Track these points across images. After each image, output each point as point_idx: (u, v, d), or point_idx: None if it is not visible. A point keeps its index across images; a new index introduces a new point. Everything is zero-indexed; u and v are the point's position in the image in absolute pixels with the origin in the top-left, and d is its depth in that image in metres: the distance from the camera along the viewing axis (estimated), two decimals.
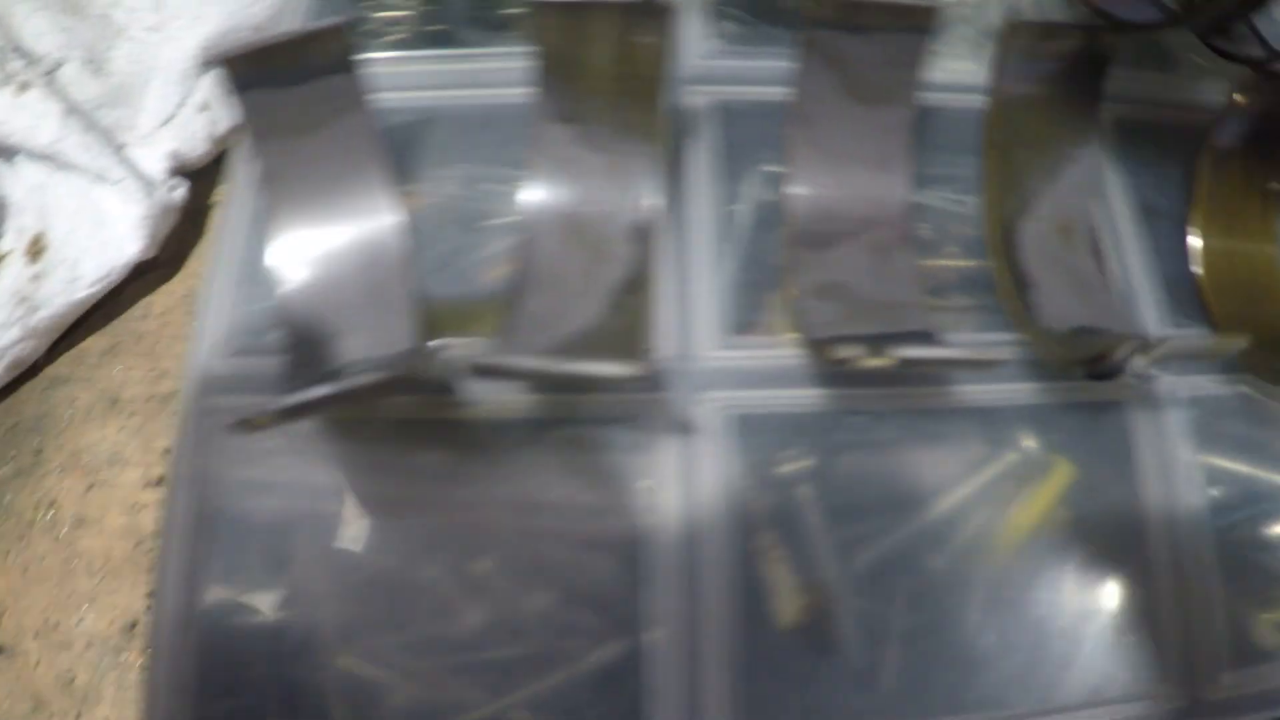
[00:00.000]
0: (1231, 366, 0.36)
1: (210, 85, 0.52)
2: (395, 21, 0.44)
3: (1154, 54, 0.44)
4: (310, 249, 0.33)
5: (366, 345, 0.31)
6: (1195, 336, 0.35)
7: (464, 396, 0.33)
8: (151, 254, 0.49)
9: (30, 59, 0.49)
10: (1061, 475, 0.36)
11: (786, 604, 0.32)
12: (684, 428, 0.32)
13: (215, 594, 0.31)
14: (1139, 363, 0.29)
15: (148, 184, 0.50)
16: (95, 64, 0.52)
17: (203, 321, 0.35)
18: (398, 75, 0.38)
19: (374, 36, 0.41)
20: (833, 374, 0.34)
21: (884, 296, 0.32)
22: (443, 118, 0.38)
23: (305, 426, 0.33)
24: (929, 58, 0.33)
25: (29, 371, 0.49)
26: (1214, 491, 0.34)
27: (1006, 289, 0.33)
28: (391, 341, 0.31)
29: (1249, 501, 0.35)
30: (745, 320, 0.34)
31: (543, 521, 0.32)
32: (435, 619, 0.31)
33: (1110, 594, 0.34)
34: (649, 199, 0.33)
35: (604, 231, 0.33)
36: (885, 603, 0.32)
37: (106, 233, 0.49)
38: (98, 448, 0.48)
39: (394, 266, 0.33)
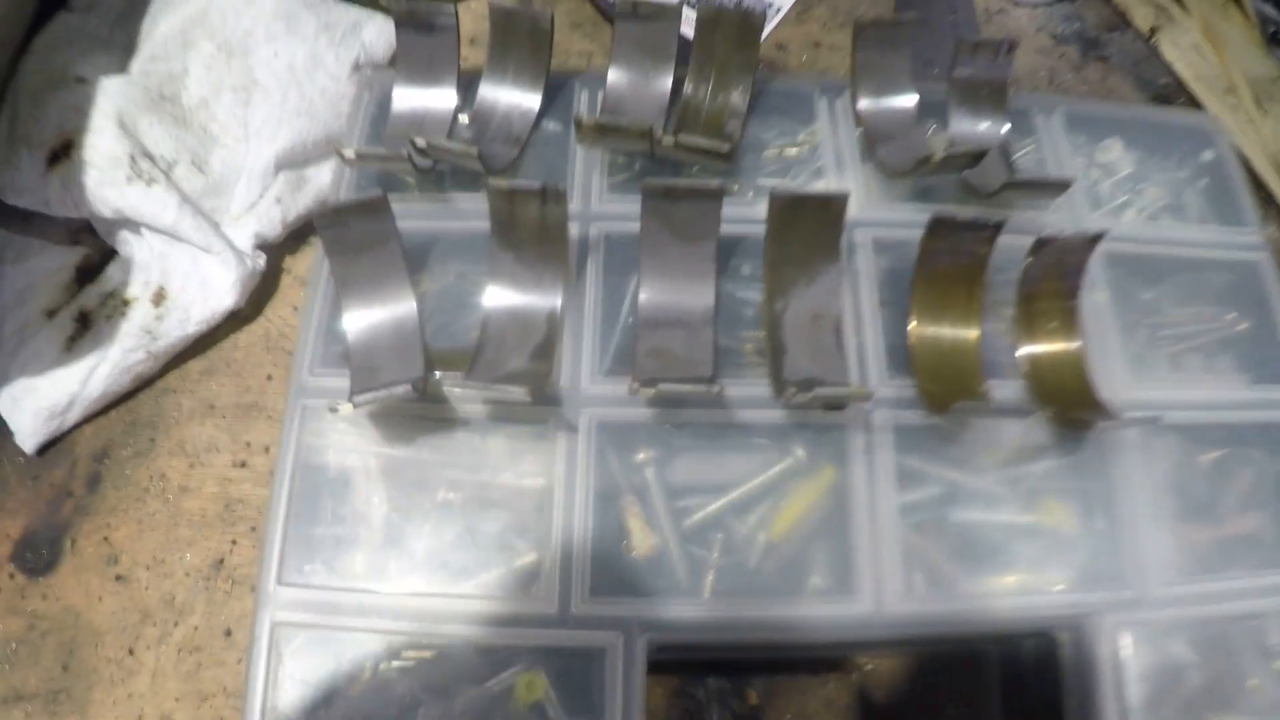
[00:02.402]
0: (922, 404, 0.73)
1: (282, 184, 1.01)
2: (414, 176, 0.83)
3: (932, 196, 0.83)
4: (364, 320, 0.73)
5: (396, 374, 0.71)
6: (842, 387, 0.71)
7: (450, 405, 0.74)
8: (240, 306, 0.91)
9: (154, 160, 0.89)
10: (827, 476, 0.73)
11: (640, 542, 0.70)
12: (571, 427, 0.71)
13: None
14: (804, 399, 0.70)
15: (239, 255, 0.88)
16: (198, 165, 0.92)
17: (300, 356, 0.75)
18: (411, 209, 0.79)
19: (394, 186, 0.82)
20: (662, 400, 0.72)
21: (687, 356, 0.70)
22: (441, 236, 0.80)
23: (359, 415, 0.73)
24: (721, 213, 0.72)
25: (145, 384, 0.91)
26: (912, 490, 0.73)
27: (768, 352, 0.72)
28: (410, 373, 0.71)
29: (933, 501, 0.74)
30: (618, 368, 0.73)
31: (493, 476, 0.72)
32: (435, 531, 0.71)
33: (836, 550, 0.72)
34: (556, 297, 0.73)
35: (530, 314, 0.72)
36: (706, 548, 0.71)
37: (210, 289, 0.88)
38: (198, 439, 0.89)
39: (411, 331, 0.72)
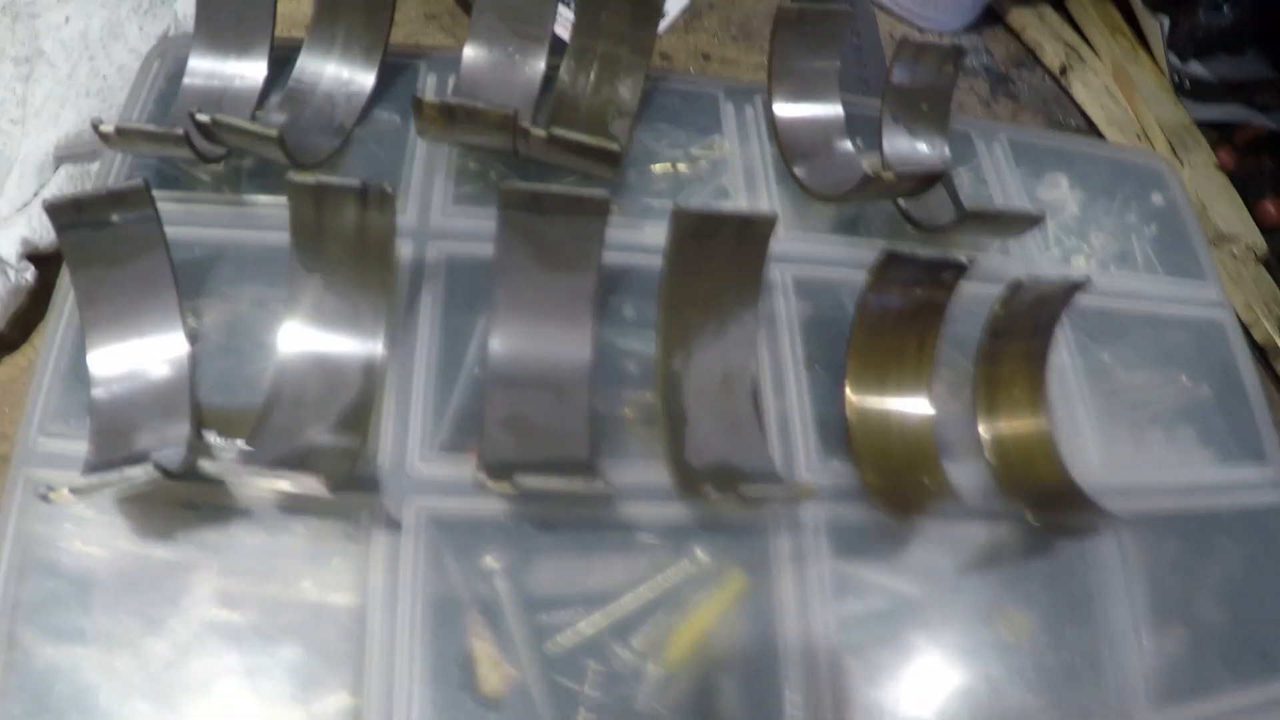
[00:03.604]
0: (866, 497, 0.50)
1: (63, 180, 0.69)
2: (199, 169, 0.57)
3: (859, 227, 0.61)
4: (116, 361, 0.47)
5: (155, 440, 0.45)
6: (778, 486, 0.47)
7: (226, 489, 0.46)
8: (1, 330, 0.65)
9: None
10: (735, 582, 0.51)
11: (490, 674, 0.45)
12: (392, 523, 0.46)
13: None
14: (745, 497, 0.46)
15: (2, 266, 0.66)
16: None
17: (30, 407, 0.48)
18: (197, 214, 0.53)
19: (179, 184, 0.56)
20: (487, 481, 0.45)
21: (554, 429, 0.46)
22: (233, 251, 0.53)
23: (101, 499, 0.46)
24: (605, 236, 0.48)
25: None
26: (850, 603, 0.49)
27: (664, 425, 0.48)
28: (173, 439, 0.45)
29: (877, 616, 0.50)
30: (459, 441, 0.48)
31: (286, 588, 0.45)
32: (184, 664, 0.45)
33: (754, 687, 0.48)
34: (377, 340, 0.48)
35: (340, 362, 0.46)
36: (577, 681, 0.46)
37: None
38: None
39: (177, 377, 0.47)
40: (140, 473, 0.41)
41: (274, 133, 0.46)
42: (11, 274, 0.61)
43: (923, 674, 0.50)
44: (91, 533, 0.46)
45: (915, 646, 0.50)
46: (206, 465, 0.42)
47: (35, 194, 0.66)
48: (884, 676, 0.49)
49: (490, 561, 0.47)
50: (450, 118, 0.48)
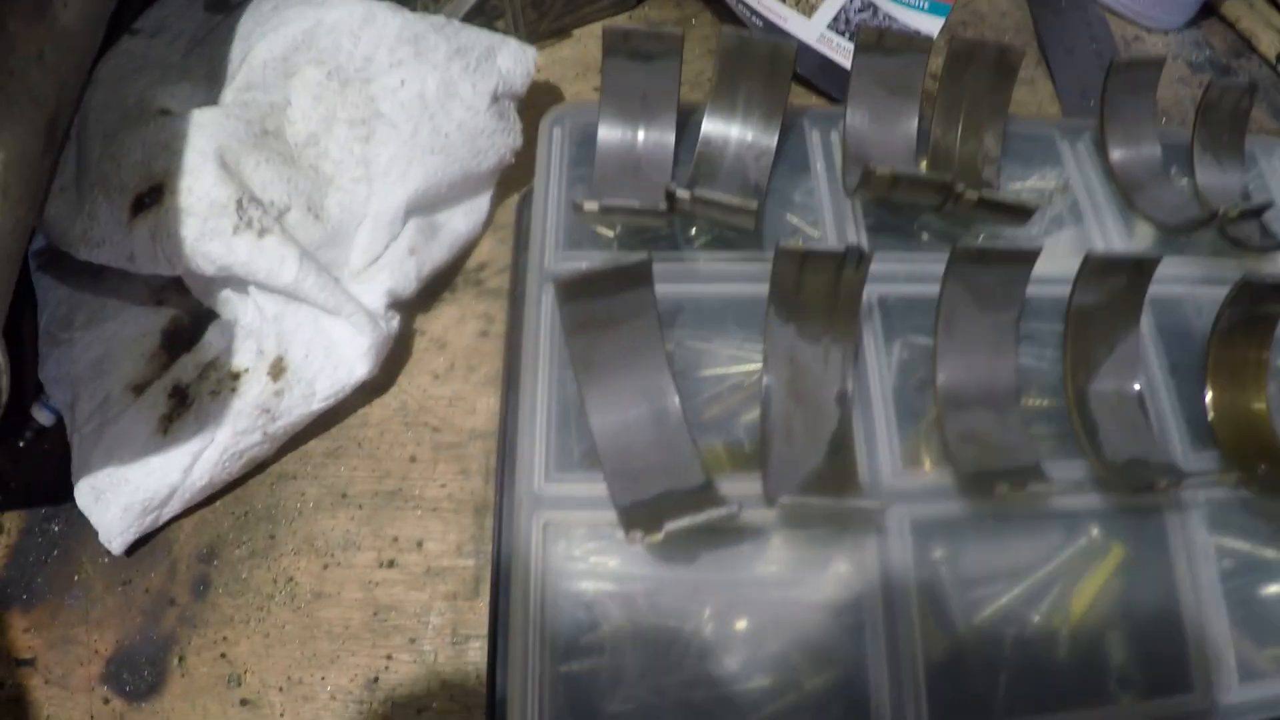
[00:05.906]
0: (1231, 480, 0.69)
1: (414, 232, 0.85)
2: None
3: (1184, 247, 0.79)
4: (616, 414, 0.63)
5: (663, 481, 0.62)
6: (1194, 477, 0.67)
7: (724, 511, 0.62)
8: (373, 375, 0.79)
9: (263, 206, 0.76)
10: (1115, 555, 0.68)
11: (934, 645, 0.63)
12: (879, 530, 0.64)
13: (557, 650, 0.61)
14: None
15: (372, 317, 0.77)
16: (314, 211, 0.79)
17: (527, 460, 0.65)
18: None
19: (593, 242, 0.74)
20: (965, 490, 0.66)
21: (1003, 441, 0.65)
22: (690, 303, 0.71)
23: (610, 530, 0.62)
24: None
25: (257, 469, 0.79)
26: (1225, 563, 0.69)
27: (1079, 433, 0.67)
28: (683, 478, 0.62)
29: (1249, 569, 0.70)
30: (909, 453, 0.68)
31: (780, 592, 0.64)
32: (704, 661, 0.62)
33: (1151, 635, 0.67)
34: (847, 377, 0.66)
35: (818, 399, 0.65)
36: (997, 646, 0.65)
37: (337, 357, 0.76)
38: (330, 535, 0.76)
39: (675, 425, 0.63)
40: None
41: (753, 205, 0.65)
42: (382, 323, 0.78)
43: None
44: (605, 562, 0.64)
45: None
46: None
47: (386, 246, 0.82)
48: (1250, 620, 0.68)
49: (937, 552, 0.66)
50: (894, 184, 0.67)
